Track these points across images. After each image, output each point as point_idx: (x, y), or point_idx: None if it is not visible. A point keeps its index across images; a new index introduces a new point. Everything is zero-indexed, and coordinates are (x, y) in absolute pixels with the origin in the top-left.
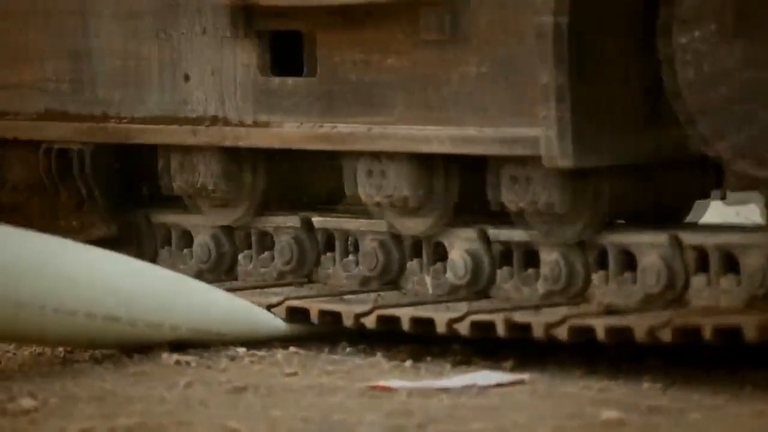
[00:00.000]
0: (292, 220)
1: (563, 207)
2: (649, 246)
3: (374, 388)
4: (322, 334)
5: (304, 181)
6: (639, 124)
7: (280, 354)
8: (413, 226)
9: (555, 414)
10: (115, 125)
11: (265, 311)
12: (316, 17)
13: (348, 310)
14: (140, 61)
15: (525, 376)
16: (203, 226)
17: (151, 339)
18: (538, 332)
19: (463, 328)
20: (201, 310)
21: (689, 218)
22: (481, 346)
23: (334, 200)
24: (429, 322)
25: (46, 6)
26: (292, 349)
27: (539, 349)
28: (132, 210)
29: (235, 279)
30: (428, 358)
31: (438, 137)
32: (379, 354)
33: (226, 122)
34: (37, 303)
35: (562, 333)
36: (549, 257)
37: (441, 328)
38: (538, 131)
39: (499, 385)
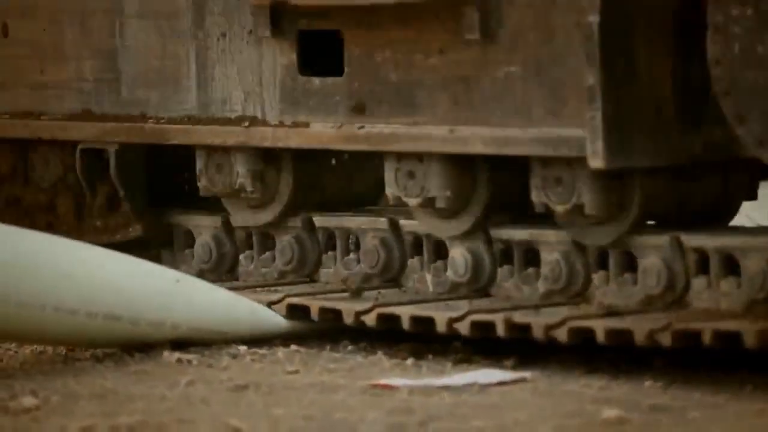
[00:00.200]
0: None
1: (600, 209)
2: (650, 247)
3: (376, 386)
4: (323, 331)
5: (342, 182)
6: (679, 124)
7: (281, 352)
8: (450, 229)
9: (556, 412)
10: (152, 125)
11: (266, 309)
12: (352, 16)
13: (348, 308)
14: (177, 60)
15: (526, 374)
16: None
17: (152, 338)
18: (537, 333)
19: (463, 327)
20: (202, 308)
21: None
22: (482, 345)
23: (369, 201)
24: (429, 321)
25: (81, 5)
26: (293, 347)
27: (540, 347)
28: (165, 211)
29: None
30: (429, 356)
31: (479, 138)
32: (380, 352)
33: (264, 123)
34: (37, 302)
35: (561, 334)
36: (550, 257)
37: (441, 327)
38: (580, 132)
39: (500, 383)
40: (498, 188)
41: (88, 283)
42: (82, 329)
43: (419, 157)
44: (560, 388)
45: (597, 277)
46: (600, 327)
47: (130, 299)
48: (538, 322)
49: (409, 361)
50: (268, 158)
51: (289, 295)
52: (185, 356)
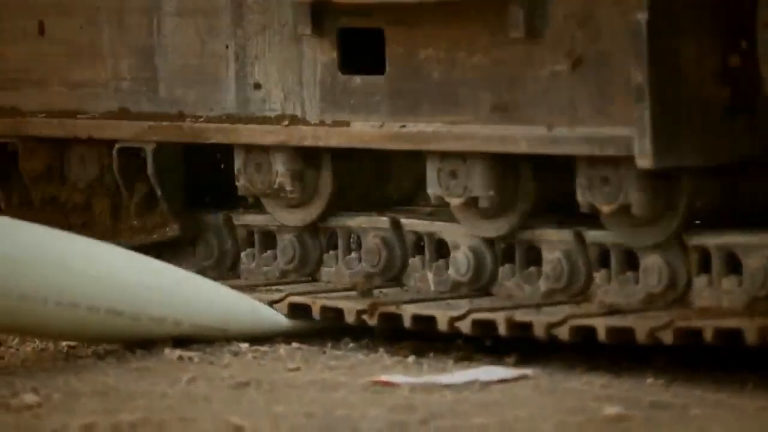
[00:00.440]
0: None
1: (648, 209)
2: (651, 245)
3: (377, 383)
4: (324, 329)
5: (380, 181)
6: (728, 123)
7: (282, 349)
8: (492, 229)
9: (558, 409)
10: (189, 124)
11: (267, 307)
12: (395, 14)
13: (350, 306)
14: (215, 59)
15: (528, 371)
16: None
17: (153, 334)
18: (539, 332)
19: (464, 326)
20: (204, 305)
21: None
22: (483, 342)
23: (410, 201)
24: (431, 320)
25: (118, 3)
26: (294, 344)
27: (542, 344)
28: (203, 210)
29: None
30: (431, 354)
31: (523, 137)
32: (381, 349)
33: (304, 122)
34: (39, 296)
35: (563, 333)
36: (551, 255)
37: (443, 325)
38: (626, 131)
39: (501, 380)
40: (542, 188)
41: (90, 278)
42: (84, 323)
43: (462, 156)
44: (562, 386)
45: (598, 275)
46: (601, 325)
47: (132, 294)
48: (540, 320)
49: (411, 358)
50: (307, 158)
51: (290, 294)
52: (186, 353)
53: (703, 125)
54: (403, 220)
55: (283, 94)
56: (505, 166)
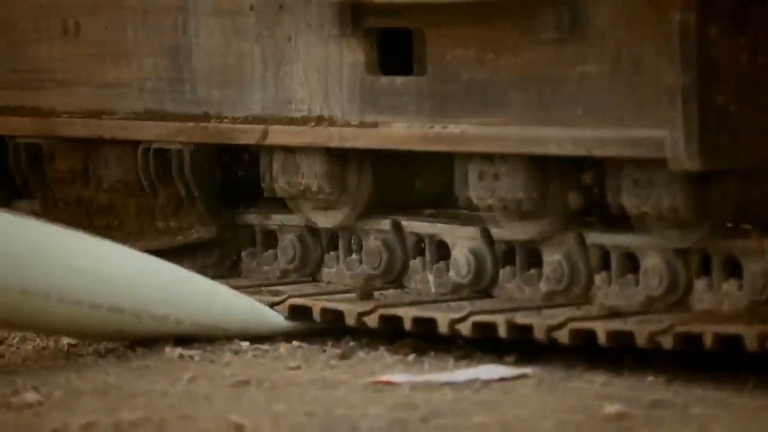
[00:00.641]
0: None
1: (687, 212)
2: (652, 248)
3: (377, 382)
4: (324, 330)
5: (410, 183)
6: (766, 124)
7: (283, 348)
8: (524, 231)
9: (558, 408)
10: (216, 125)
11: (268, 308)
12: (427, 14)
13: (350, 309)
14: (243, 59)
15: (528, 370)
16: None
17: (155, 332)
18: (539, 334)
19: (464, 328)
20: (205, 305)
21: None
22: (484, 341)
23: (440, 203)
24: (431, 322)
25: (144, 3)
26: (295, 343)
27: (542, 344)
28: (231, 211)
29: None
30: (431, 353)
31: (556, 139)
32: (382, 348)
33: (332, 122)
34: (42, 292)
35: (563, 336)
36: (552, 258)
37: (443, 328)
38: (663, 133)
39: (502, 379)
40: (576, 190)
41: (93, 275)
42: (85, 320)
43: (493, 158)
44: (562, 384)
45: (599, 278)
46: (601, 329)
47: (134, 292)
48: (540, 323)
49: (411, 357)
50: (335, 159)
51: (291, 296)
52: (187, 352)
53: (741, 126)
54: (404, 222)
55: (311, 95)
56: (538, 169)
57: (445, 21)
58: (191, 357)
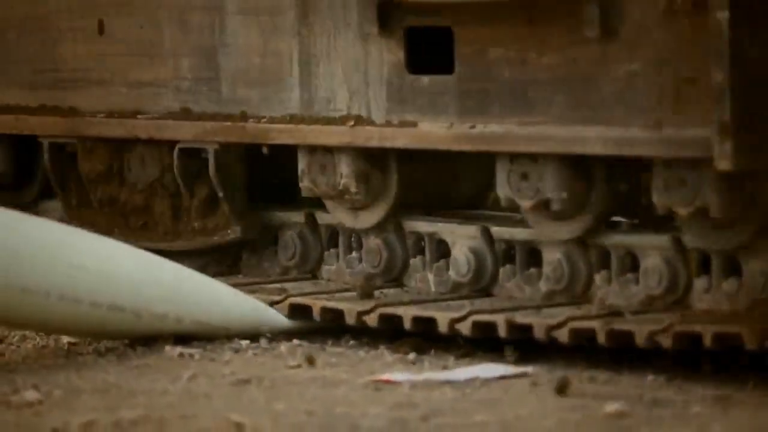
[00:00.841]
0: (296, 216)
1: (726, 211)
2: (652, 247)
3: (378, 381)
4: (325, 329)
5: (447, 183)
6: None
7: (283, 346)
8: (562, 232)
9: (558, 407)
10: (253, 125)
11: (268, 307)
12: (465, 13)
13: (350, 308)
14: (279, 58)
15: (528, 368)
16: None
17: (155, 330)
18: (539, 334)
19: (464, 327)
20: (206, 303)
21: None
22: (484, 339)
23: (477, 203)
24: (431, 321)
25: (180, 2)
26: (295, 341)
27: (543, 342)
28: (265, 211)
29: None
30: (432, 351)
31: (597, 138)
32: (382, 347)
33: (370, 122)
34: (42, 290)
35: (563, 335)
36: (552, 256)
37: (443, 327)
38: (706, 132)
39: (502, 377)
40: (615, 190)
41: (93, 273)
42: (86, 319)
43: (533, 157)
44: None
45: (599, 277)
46: (601, 328)
47: (134, 291)
48: (540, 322)
49: (412, 355)
50: (372, 159)
51: (291, 295)
52: (187, 350)
53: None
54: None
55: (349, 94)
56: (578, 168)
57: (483, 19)
58: (191, 355)
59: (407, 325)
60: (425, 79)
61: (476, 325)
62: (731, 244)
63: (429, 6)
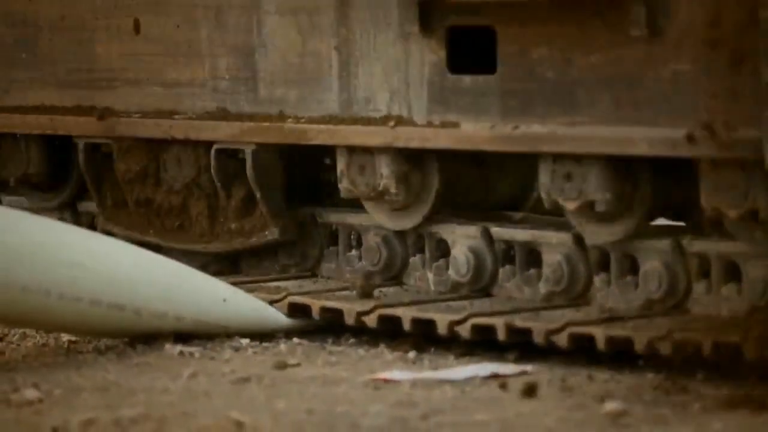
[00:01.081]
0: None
1: None
2: (652, 251)
3: (378, 379)
4: (324, 327)
5: (487, 184)
6: None
7: (283, 345)
8: (605, 235)
9: (558, 405)
10: (291, 125)
11: (268, 305)
12: (507, 12)
13: (349, 308)
14: (317, 58)
15: (528, 367)
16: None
17: (155, 328)
18: (538, 338)
19: (463, 330)
20: (205, 301)
21: None
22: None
23: (518, 205)
24: (430, 323)
25: (217, 1)
26: (295, 340)
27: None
28: (302, 212)
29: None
30: (432, 350)
31: (644, 139)
32: (382, 345)
33: (411, 122)
34: (42, 288)
35: (562, 340)
36: (551, 258)
37: (442, 330)
38: (755, 132)
39: (502, 376)
40: (660, 191)
41: (93, 272)
42: (86, 317)
43: (577, 158)
44: (562, 382)
45: (598, 279)
46: (600, 334)
47: (134, 289)
48: (539, 327)
49: (412, 354)
50: (412, 160)
51: (290, 294)
52: (187, 349)
53: None
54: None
55: (389, 94)
56: (622, 169)
57: (526, 18)
58: (191, 354)
59: (406, 326)
60: (467, 79)
61: (475, 327)
62: None
63: (471, 5)
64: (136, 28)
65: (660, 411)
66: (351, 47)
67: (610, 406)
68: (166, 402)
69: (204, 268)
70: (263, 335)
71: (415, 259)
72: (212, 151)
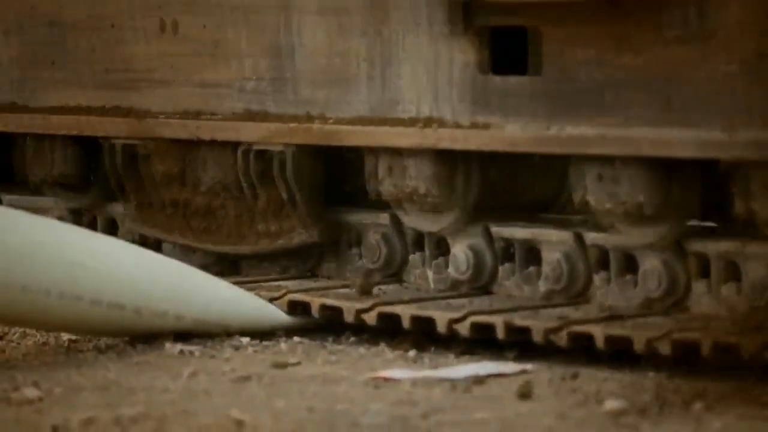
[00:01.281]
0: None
1: None
2: (651, 250)
3: (378, 378)
4: (325, 326)
5: (521, 186)
6: None
7: (283, 344)
8: (644, 236)
9: (558, 404)
10: (320, 126)
11: (268, 303)
12: (543, 12)
13: (349, 306)
14: (347, 58)
15: (528, 365)
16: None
17: (155, 328)
18: (537, 337)
19: (463, 328)
20: (206, 300)
21: None
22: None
23: (553, 207)
24: (430, 321)
25: (246, 2)
26: (295, 338)
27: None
28: (334, 213)
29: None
30: (432, 348)
31: (681, 141)
32: (382, 344)
33: (442, 123)
34: (42, 288)
35: (561, 339)
36: (551, 256)
37: (441, 328)
38: None
39: (502, 374)
40: (700, 193)
41: (94, 271)
42: (86, 316)
43: (614, 160)
44: (562, 380)
45: (598, 277)
46: (599, 333)
47: (134, 288)
48: (538, 326)
49: (412, 352)
50: (442, 161)
51: (290, 292)
52: (188, 348)
53: None
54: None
55: (422, 95)
56: (661, 172)
57: (563, 19)
58: (191, 353)
59: (406, 324)
60: (500, 80)
61: (474, 326)
62: None
63: (507, 5)
64: (165, 28)
65: (660, 410)
66: (382, 48)
67: (610, 404)
68: (167, 401)
69: (204, 267)
70: (263, 334)
71: (414, 257)
72: (239, 153)
